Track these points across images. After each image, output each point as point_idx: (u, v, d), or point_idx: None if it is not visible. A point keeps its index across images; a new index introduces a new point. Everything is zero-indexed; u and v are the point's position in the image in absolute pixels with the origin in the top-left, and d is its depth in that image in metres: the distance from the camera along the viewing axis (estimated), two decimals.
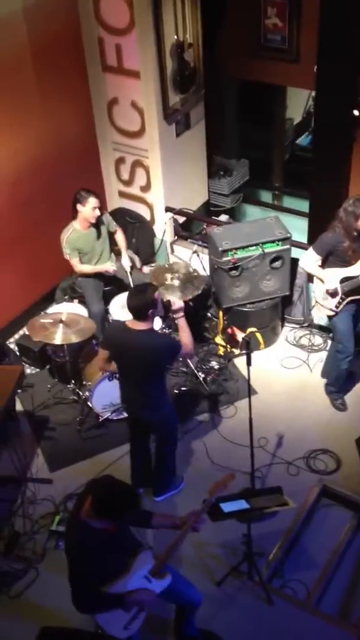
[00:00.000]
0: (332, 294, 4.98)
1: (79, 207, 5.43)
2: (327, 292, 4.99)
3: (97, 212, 5.47)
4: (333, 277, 4.95)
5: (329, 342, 5.86)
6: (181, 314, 4.23)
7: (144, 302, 4.03)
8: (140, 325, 4.09)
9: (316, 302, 5.22)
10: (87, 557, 3.25)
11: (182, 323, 4.26)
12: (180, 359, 4.37)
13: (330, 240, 4.86)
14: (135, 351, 4.12)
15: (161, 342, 4.28)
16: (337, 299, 5.00)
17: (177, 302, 4.25)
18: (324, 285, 5.00)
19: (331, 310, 5.07)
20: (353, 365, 5.34)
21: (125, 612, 3.41)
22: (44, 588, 4.46)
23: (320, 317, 5.82)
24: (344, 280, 4.93)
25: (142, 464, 4.84)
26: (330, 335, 5.68)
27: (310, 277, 5.27)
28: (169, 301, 4.25)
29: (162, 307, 4.18)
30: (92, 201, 5.40)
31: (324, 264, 5.01)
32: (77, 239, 5.54)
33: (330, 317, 5.20)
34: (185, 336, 4.25)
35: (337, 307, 5.03)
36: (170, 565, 3.59)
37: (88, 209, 5.41)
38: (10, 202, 5.92)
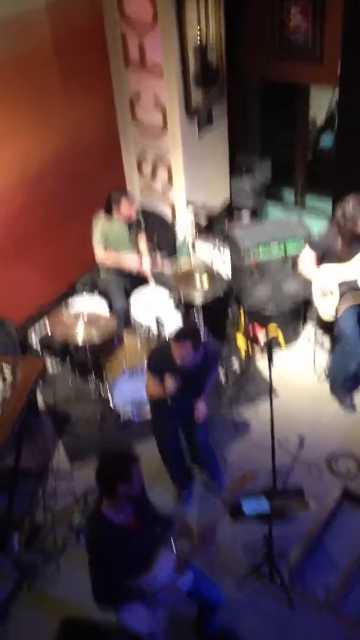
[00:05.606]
0: (326, 293, 4.86)
1: (115, 207, 5.55)
2: (323, 292, 4.87)
3: (133, 211, 5.60)
4: (326, 275, 4.82)
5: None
6: None
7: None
8: None
9: (315, 303, 5.07)
10: (108, 552, 3.25)
11: None
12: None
13: (324, 241, 4.81)
14: None
15: None
16: (335, 301, 4.86)
17: None
18: (317, 285, 4.90)
19: (329, 313, 4.92)
20: None
21: (146, 607, 3.40)
22: (64, 582, 4.46)
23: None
24: (342, 284, 4.81)
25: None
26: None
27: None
28: None
29: None
30: (124, 202, 5.53)
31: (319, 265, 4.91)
32: (110, 226, 5.61)
33: (331, 321, 5.03)
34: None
35: (336, 309, 4.89)
36: (195, 566, 3.57)
37: (122, 209, 5.55)
38: (33, 197, 5.91)
